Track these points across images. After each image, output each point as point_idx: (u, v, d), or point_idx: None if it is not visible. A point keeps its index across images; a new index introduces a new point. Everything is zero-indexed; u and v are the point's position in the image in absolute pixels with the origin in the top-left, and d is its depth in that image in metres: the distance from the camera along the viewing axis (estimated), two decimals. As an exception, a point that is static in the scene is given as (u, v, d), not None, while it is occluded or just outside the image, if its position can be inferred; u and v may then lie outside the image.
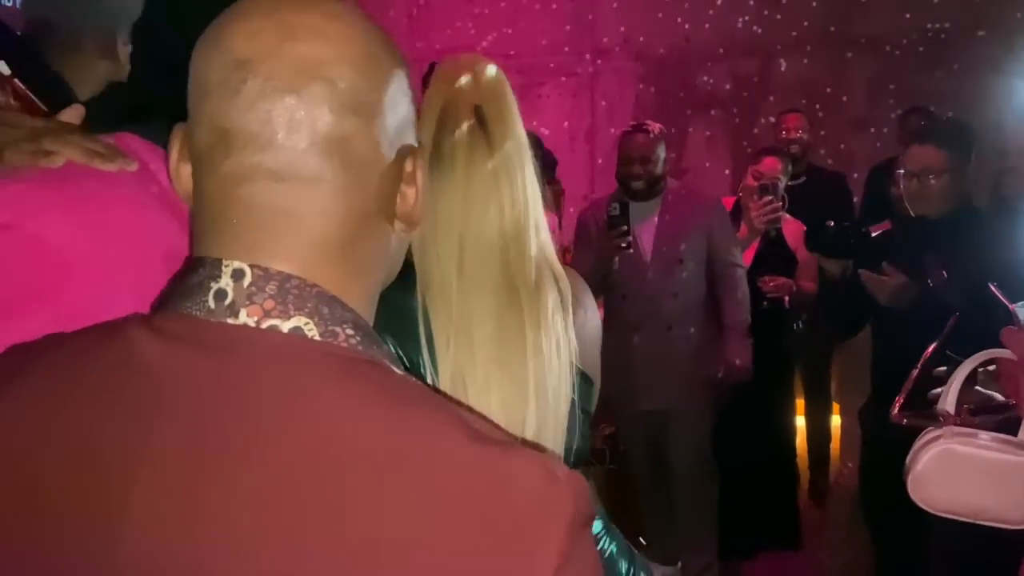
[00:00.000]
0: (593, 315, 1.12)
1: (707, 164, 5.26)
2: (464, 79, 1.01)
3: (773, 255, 3.14)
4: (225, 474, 0.50)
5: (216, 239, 0.57)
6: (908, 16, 4.92)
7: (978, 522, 1.12)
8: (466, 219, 0.99)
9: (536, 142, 1.11)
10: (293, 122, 0.55)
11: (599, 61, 5.52)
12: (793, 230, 3.20)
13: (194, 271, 0.56)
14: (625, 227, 2.63)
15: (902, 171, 2.33)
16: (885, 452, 1.24)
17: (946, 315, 1.40)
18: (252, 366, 0.52)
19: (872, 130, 4.90)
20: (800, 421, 3.66)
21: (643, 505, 3.15)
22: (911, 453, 1.14)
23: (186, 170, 0.59)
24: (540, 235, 1.02)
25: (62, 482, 0.52)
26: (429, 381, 0.98)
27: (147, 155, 0.86)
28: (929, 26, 4.88)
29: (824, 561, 2.98)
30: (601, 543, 1.14)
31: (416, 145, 0.63)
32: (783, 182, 3.13)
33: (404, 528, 0.48)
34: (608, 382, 3.22)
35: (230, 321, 0.54)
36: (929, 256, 2.17)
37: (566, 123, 5.46)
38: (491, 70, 1.03)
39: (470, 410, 0.56)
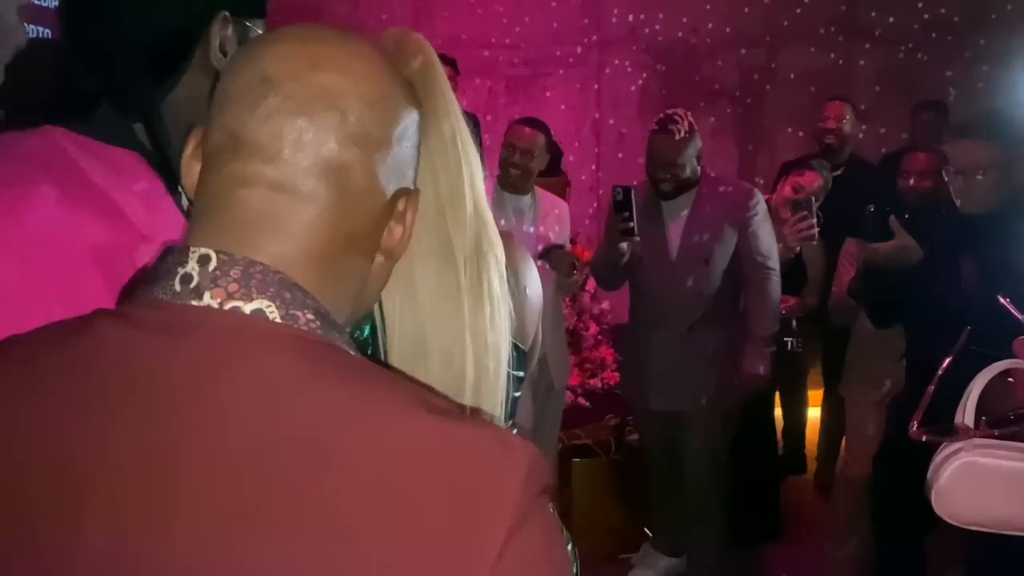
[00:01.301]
0: (530, 282, 1.17)
1: (713, 155, 5.25)
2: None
3: (787, 272, 3.02)
4: (184, 457, 0.52)
5: (203, 232, 0.60)
6: (917, 7, 4.89)
7: (1004, 532, 1.12)
8: None
9: (475, 122, 1.14)
10: (300, 142, 0.59)
11: (605, 52, 5.50)
12: (808, 245, 3.14)
13: (163, 259, 0.59)
14: (628, 212, 2.54)
15: (948, 167, 2.22)
16: (910, 448, 1.24)
17: (1008, 328, 1.37)
18: (213, 346, 0.55)
19: (879, 121, 4.88)
20: (812, 412, 3.68)
21: (652, 496, 3.15)
22: (932, 468, 1.14)
23: (196, 167, 0.63)
24: (477, 200, 1.03)
25: (26, 480, 0.54)
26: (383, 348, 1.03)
27: (78, 153, 0.86)
28: (937, 17, 4.85)
29: (829, 551, 2.98)
30: None
31: (413, 188, 0.68)
32: (819, 200, 2.98)
33: (366, 500, 0.50)
34: (624, 377, 3.24)
35: (194, 303, 0.56)
36: (967, 255, 2.11)
37: (572, 115, 5.45)
38: (412, 39, 1.07)
39: (423, 386, 0.58)
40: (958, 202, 2.19)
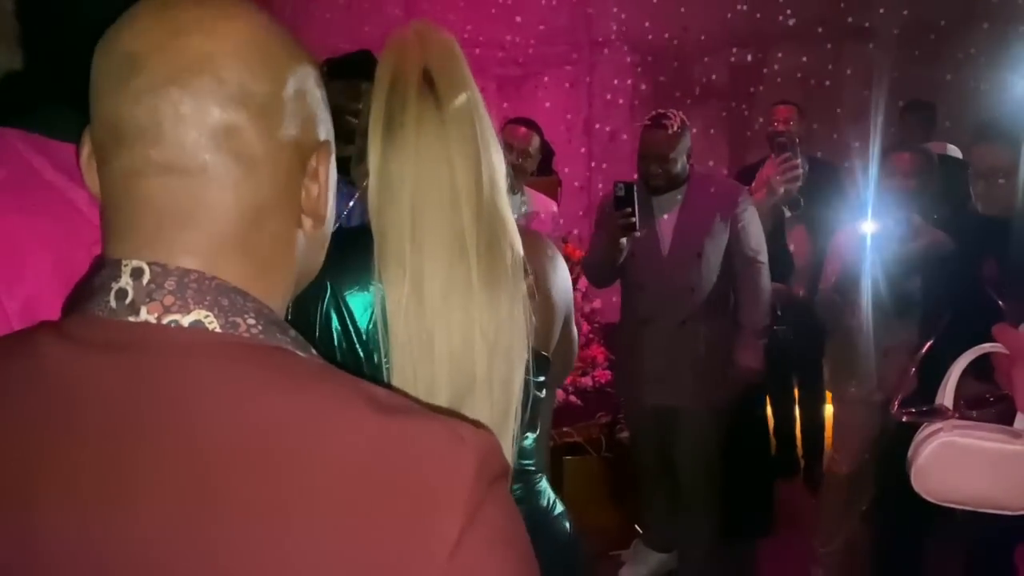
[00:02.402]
0: (555, 284, 1.16)
1: (704, 154, 5.28)
2: (410, 45, 1.02)
3: (773, 259, 3.12)
4: (125, 473, 0.51)
5: (117, 236, 0.58)
6: (905, 8, 4.93)
7: (979, 509, 1.15)
8: (416, 181, 0.99)
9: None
10: (179, 115, 0.55)
11: (596, 52, 5.52)
12: (797, 235, 3.15)
13: (97, 272, 0.57)
14: (630, 208, 2.53)
15: (970, 170, 2.22)
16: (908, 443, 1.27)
17: (990, 314, 1.40)
18: (153, 362, 0.53)
19: (868, 121, 4.92)
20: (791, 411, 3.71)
21: (643, 492, 3.17)
22: (912, 447, 1.17)
23: (93, 168, 0.60)
24: (496, 192, 1.02)
25: None
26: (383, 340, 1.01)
27: (30, 152, 0.84)
28: (926, 18, 4.89)
29: (817, 547, 3.01)
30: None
31: (324, 139, 0.63)
32: (798, 140, 2.96)
33: (311, 502, 0.49)
34: (617, 373, 3.23)
35: (131, 319, 0.55)
36: (988, 258, 2.11)
37: (563, 114, 5.47)
38: (436, 32, 1.04)
39: (376, 382, 0.57)
40: (979, 205, 2.19)
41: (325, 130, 0.64)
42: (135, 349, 0.54)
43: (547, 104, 5.42)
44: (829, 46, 5.13)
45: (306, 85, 0.61)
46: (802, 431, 3.77)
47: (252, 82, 0.57)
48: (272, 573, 0.49)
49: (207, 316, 0.55)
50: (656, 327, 2.75)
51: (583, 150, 5.51)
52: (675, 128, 2.70)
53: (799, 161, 2.84)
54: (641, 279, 2.80)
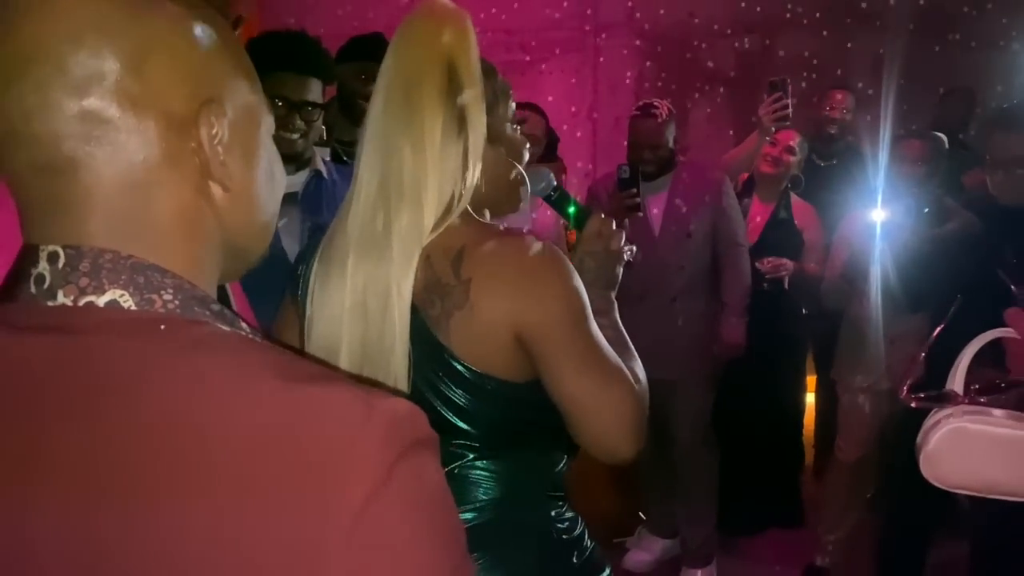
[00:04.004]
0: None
1: (710, 141, 5.25)
2: (447, 37, 1.03)
3: (780, 235, 3.14)
4: (44, 450, 0.52)
5: (32, 224, 0.58)
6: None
7: (991, 496, 1.14)
8: (414, 174, 1.03)
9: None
10: (27, 111, 0.54)
11: (601, 38, 5.49)
12: (802, 211, 3.19)
13: (20, 260, 0.58)
14: (635, 189, 2.64)
15: (987, 159, 2.19)
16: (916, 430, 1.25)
17: (1001, 299, 1.38)
18: (73, 342, 0.54)
19: (875, 106, 4.88)
20: (809, 399, 3.69)
21: (643, 478, 3.19)
22: (921, 433, 1.16)
23: None
24: (464, 188, 1.04)
25: None
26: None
27: None
28: (936, 3, 4.84)
29: (822, 534, 3.01)
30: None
31: (207, 100, 0.59)
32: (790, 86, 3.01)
33: (211, 476, 0.49)
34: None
35: (49, 303, 0.56)
36: (1004, 245, 2.07)
37: (568, 101, 5.44)
38: (453, 14, 1.05)
39: (294, 351, 0.57)
40: (997, 195, 2.16)
41: (210, 88, 0.59)
42: (54, 332, 0.55)
43: (552, 90, 5.39)
44: (837, 32, 5.09)
45: (161, 48, 0.57)
46: (818, 418, 3.74)
47: (96, 62, 0.54)
48: (173, 555, 0.49)
49: (122, 295, 0.56)
50: (648, 304, 2.85)
51: (588, 136, 5.49)
52: (663, 117, 2.86)
53: (789, 102, 2.93)
54: (633, 259, 2.84)
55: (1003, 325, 1.17)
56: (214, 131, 0.59)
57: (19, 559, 0.52)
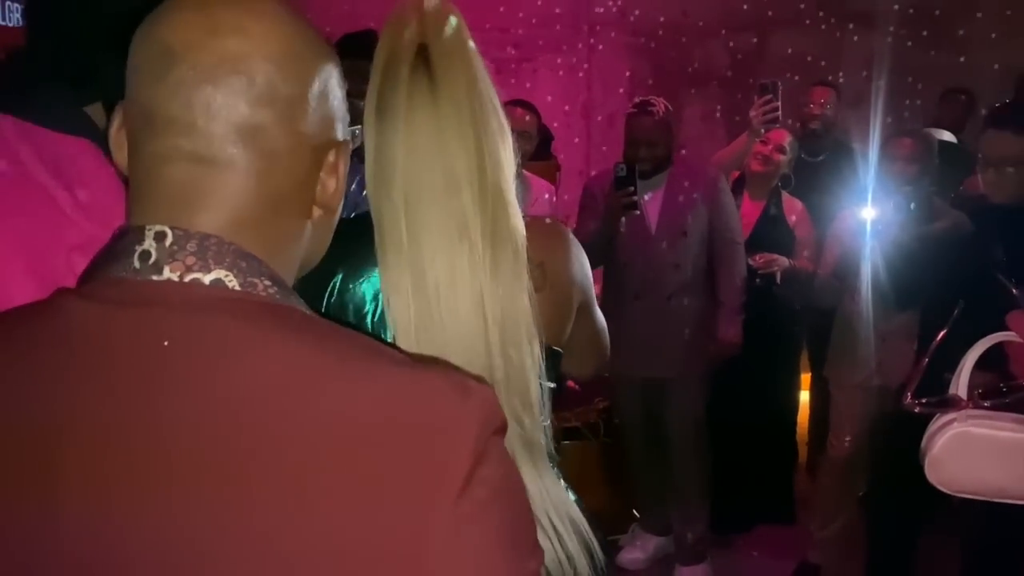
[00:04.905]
0: (564, 275, 1.09)
1: (703, 139, 5.26)
2: (408, 21, 0.97)
3: (771, 232, 3.15)
4: (158, 423, 0.54)
5: (141, 207, 0.61)
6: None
7: (996, 500, 1.14)
8: (407, 165, 0.95)
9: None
10: (211, 111, 0.59)
11: (595, 35, 5.48)
12: (793, 208, 3.20)
13: (120, 238, 0.60)
14: (632, 187, 2.64)
15: (980, 158, 2.19)
16: (916, 432, 1.25)
17: (1001, 302, 1.38)
18: (177, 317, 0.56)
19: (867, 105, 4.89)
20: (804, 396, 3.69)
21: (637, 476, 3.19)
22: (926, 437, 1.16)
23: (123, 145, 0.64)
24: (500, 176, 0.97)
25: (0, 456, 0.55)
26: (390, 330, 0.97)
27: (19, 143, 0.83)
28: (925, 2, 4.86)
29: (814, 531, 3.02)
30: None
31: (343, 139, 0.68)
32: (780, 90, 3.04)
33: (332, 448, 0.52)
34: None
35: (155, 278, 0.57)
36: (995, 245, 2.08)
37: (562, 98, 5.44)
38: (438, 5, 0.98)
39: (383, 341, 0.60)
40: (988, 193, 2.17)
41: (343, 128, 0.68)
42: (159, 305, 0.56)
43: (546, 88, 5.38)
44: (830, 30, 5.10)
45: (329, 85, 0.65)
46: (812, 415, 3.75)
47: (280, 83, 0.61)
48: (296, 530, 0.51)
49: (227, 275, 0.58)
50: (644, 302, 2.86)
51: (582, 134, 5.49)
52: (660, 114, 2.84)
53: (778, 104, 2.96)
54: (629, 257, 2.90)
55: (1004, 329, 1.17)
56: (342, 167, 0.67)
57: (106, 555, 0.53)
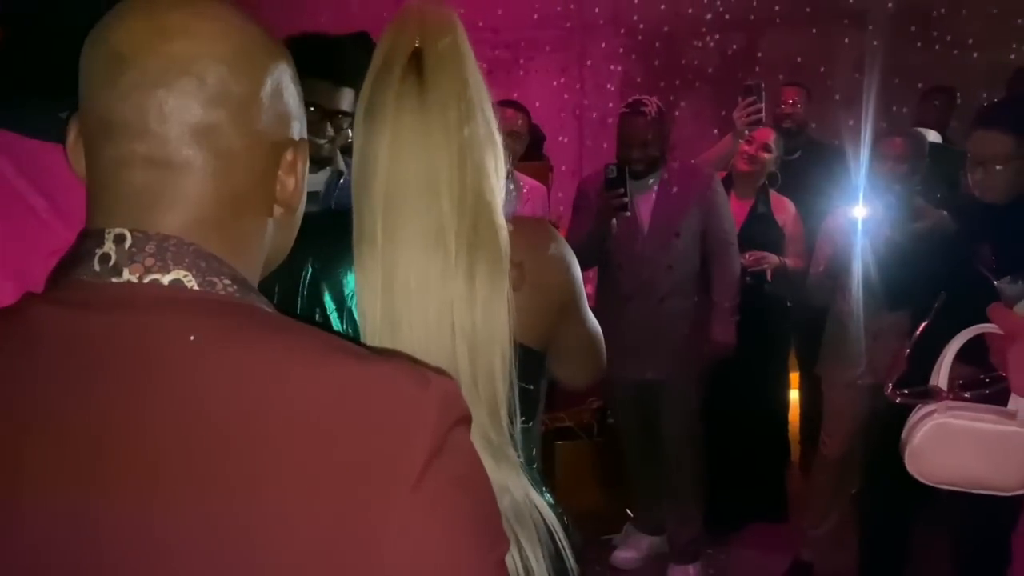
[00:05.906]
0: (547, 276, 1.07)
1: (695, 139, 5.27)
2: (406, 25, 0.99)
3: (760, 230, 3.17)
4: (120, 422, 0.55)
5: (101, 212, 0.62)
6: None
7: (974, 491, 1.16)
8: (390, 166, 0.96)
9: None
10: (163, 114, 0.60)
11: (587, 36, 5.49)
12: (781, 205, 3.23)
13: (82, 242, 0.61)
14: (622, 189, 2.62)
15: (968, 156, 2.19)
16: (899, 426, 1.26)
17: (983, 294, 1.39)
18: (136, 318, 0.57)
19: (857, 104, 4.91)
20: (794, 395, 3.71)
21: (631, 476, 3.19)
22: (906, 429, 1.17)
23: (80, 152, 0.64)
24: (482, 181, 0.97)
25: None
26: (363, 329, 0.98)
27: None
28: (917, 1, 4.88)
29: (807, 529, 3.03)
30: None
31: (300, 137, 0.68)
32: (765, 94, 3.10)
33: (291, 440, 0.53)
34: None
35: (115, 280, 0.58)
36: (984, 243, 2.11)
37: (554, 99, 5.44)
38: (436, 12, 1.00)
39: (347, 337, 0.59)
40: (977, 192, 2.18)
41: (300, 127, 0.68)
42: (119, 307, 0.58)
43: (538, 88, 5.39)
44: (821, 30, 5.12)
45: (282, 84, 0.65)
46: (802, 414, 3.77)
47: (232, 83, 0.61)
48: (260, 521, 0.52)
49: (186, 276, 0.59)
50: (637, 304, 2.85)
51: (574, 135, 5.49)
52: (653, 114, 2.82)
53: (762, 106, 3.02)
54: (622, 258, 2.89)
55: (986, 321, 1.18)
56: (300, 166, 0.67)
57: (88, 554, 0.53)
